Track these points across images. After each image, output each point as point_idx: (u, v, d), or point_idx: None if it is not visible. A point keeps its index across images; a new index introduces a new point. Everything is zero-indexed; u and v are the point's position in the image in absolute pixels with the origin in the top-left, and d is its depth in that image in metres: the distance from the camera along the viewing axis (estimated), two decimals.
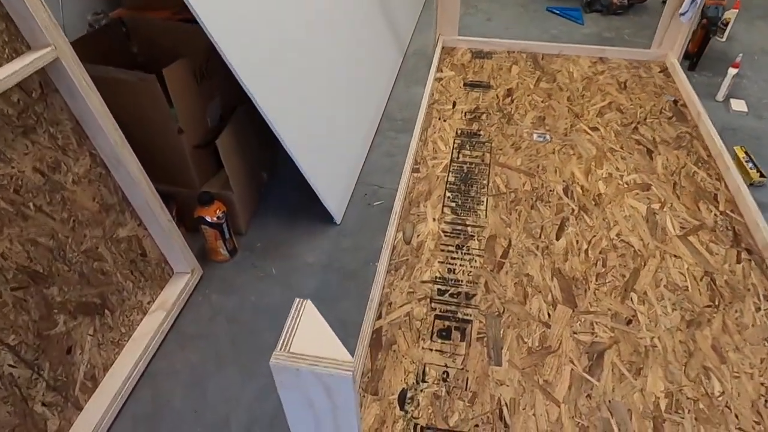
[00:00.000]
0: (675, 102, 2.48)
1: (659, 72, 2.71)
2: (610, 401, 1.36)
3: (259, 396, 1.48)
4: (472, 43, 2.96)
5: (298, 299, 0.91)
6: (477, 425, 1.32)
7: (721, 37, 3.19)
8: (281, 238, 1.95)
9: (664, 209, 1.91)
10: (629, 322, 1.54)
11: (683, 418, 1.32)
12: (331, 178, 2.02)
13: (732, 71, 2.62)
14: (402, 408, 1.36)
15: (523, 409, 1.35)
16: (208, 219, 1.74)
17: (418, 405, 1.37)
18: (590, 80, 2.64)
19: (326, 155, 2.03)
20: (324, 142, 2.04)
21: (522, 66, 2.78)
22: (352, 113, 2.33)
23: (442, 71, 2.76)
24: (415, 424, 1.33)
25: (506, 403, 1.36)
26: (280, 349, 0.83)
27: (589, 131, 2.29)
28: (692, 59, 2.96)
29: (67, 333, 1.35)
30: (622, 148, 2.20)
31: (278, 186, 2.17)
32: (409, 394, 1.39)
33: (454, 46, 2.97)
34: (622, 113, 2.40)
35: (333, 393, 0.83)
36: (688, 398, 1.36)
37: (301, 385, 0.85)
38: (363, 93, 2.48)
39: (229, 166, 1.78)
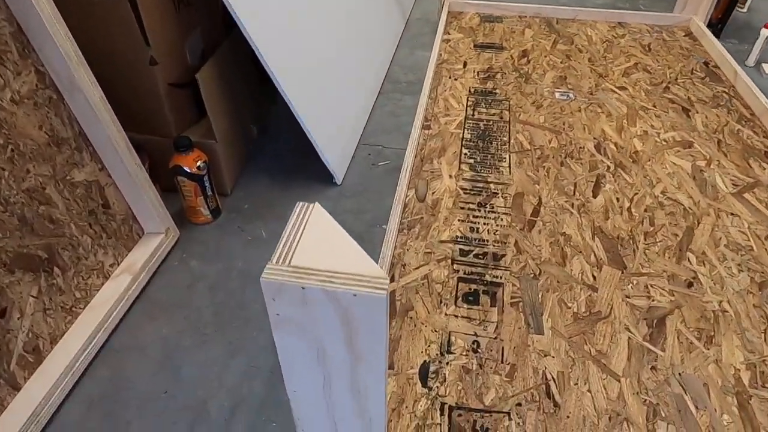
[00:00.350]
0: (706, 64, 2.27)
1: (684, 36, 2.50)
2: (680, 374, 1.11)
3: (246, 376, 1.20)
4: (480, 7, 2.73)
5: (302, 203, 0.65)
6: (519, 404, 1.05)
7: (742, 7, 3.01)
8: (272, 199, 1.68)
9: (711, 166, 1.67)
10: (690, 284, 1.30)
11: None
12: (331, 131, 1.76)
13: (765, 32, 2.42)
14: (424, 384, 1.09)
15: (575, 384, 1.09)
16: (186, 169, 1.47)
17: (444, 380, 1.10)
18: (611, 43, 2.42)
19: (326, 106, 1.77)
20: (324, 92, 1.78)
21: (536, 29, 2.55)
22: (353, 67, 2.08)
23: (449, 33, 2.53)
24: (442, 404, 1.06)
25: (553, 378, 1.10)
26: (277, 263, 0.57)
27: (616, 90, 2.06)
28: (716, 26, 2.76)
29: (1, 290, 1.06)
30: (654, 106, 1.97)
31: (270, 143, 1.90)
32: (432, 368, 1.12)
33: (461, 11, 2.74)
34: (650, 73, 2.18)
35: (356, 325, 0.56)
36: None
37: (307, 317, 0.58)
38: (364, 49, 2.23)
39: (211, 107, 1.51)
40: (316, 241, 0.59)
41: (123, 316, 1.32)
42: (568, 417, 1.03)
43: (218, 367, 1.22)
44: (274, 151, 1.88)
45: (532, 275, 1.32)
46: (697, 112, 1.93)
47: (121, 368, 1.22)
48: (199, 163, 1.48)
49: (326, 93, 1.81)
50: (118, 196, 1.37)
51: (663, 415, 1.04)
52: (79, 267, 1.26)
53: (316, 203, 0.63)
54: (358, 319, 0.55)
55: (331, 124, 1.77)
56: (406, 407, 1.05)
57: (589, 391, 1.08)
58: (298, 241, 0.58)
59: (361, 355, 0.60)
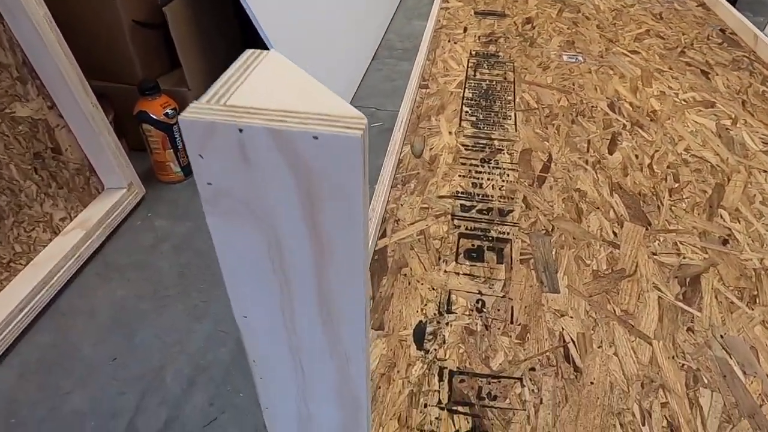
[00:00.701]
0: (722, 30, 2.12)
1: (697, 6, 2.36)
2: (722, 336, 0.94)
3: (211, 341, 1.03)
4: None
5: (251, 50, 0.48)
6: (533, 369, 0.88)
7: None
8: None
9: (738, 125, 1.52)
10: (725, 242, 1.13)
11: None
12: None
13: None
14: (420, 347, 0.92)
15: (599, 347, 0.92)
16: (153, 115, 1.30)
17: (444, 342, 0.93)
18: (620, 12, 2.28)
19: (313, 62, 1.61)
20: (310, 46, 1.62)
21: None
22: (344, 28, 1.92)
23: (448, 2, 2.38)
24: (441, 368, 0.88)
25: (573, 340, 0.93)
26: (207, 102, 0.40)
27: (628, 54, 1.91)
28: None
29: None
30: (671, 68, 1.82)
31: None
32: (429, 329, 0.95)
33: None
34: (663, 39, 2.03)
35: (320, 190, 0.39)
36: None
37: (251, 184, 0.41)
38: (355, 12, 2.08)
39: (183, 49, 1.35)
40: (267, 82, 0.42)
41: (73, 275, 1.15)
42: (592, 383, 0.86)
43: (179, 332, 1.05)
44: None
45: (543, 231, 1.16)
46: (717, 75, 1.78)
47: (66, 333, 1.04)
48: (167, 110, 1.32)
49: (314, 51, 1.65)
50: (72, 142, 1.20)
51: (705, 381, 0.86)
52: (21, 217, 1.09)
53: (273, 50, 0.47)
54: (321, 177, 0.38)
55: (323, 82, 1.61)
56: (398, 372, 0.88)
57: (615, 354, 0.90)
58: (243, 82, 0.41)
59: (328, 246, 0.43)
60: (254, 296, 0.49)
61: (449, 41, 2.02)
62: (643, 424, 0.81)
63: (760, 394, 0.85)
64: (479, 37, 2.05)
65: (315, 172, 0.38)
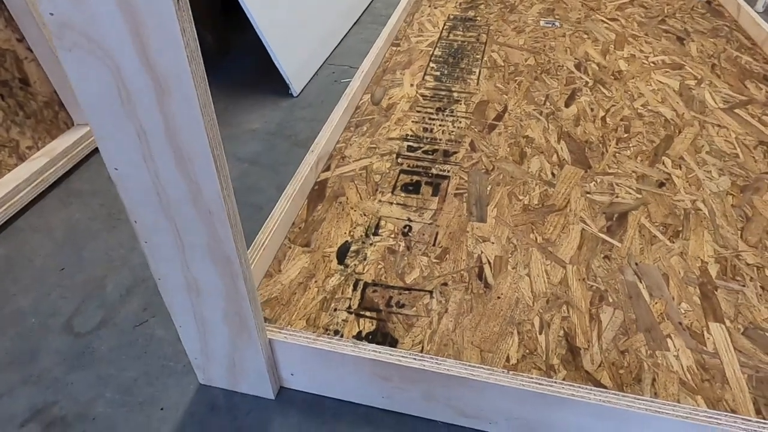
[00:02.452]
0: (708, 2, 2.10)
1: None
2: (637, 264, 0.96)
3: None
4: None
5: None
6: (445, 284, 0.92)
7: None
8: (223, 107, 1.57)
9: (702, 86, 1.52)
10: (662, 185, 1.14)
11: (744, 286, 0.91)
12: (290, 40, 1.64)
13: None
14: (341, 262, 0.96)
15: (513, 268, 0.95)
16: None
17: (365, 259, 0.97)
18: None
19: (287, 17, 1.65)
20: (287, 4, 1.67)
21: None
22: None
23: None
24: (357, 280, 0.92)
25: (489, 261, 0.96)
26: None
27: (607, 21, 1.92)
28: None
29: None
30: (647, 35, 1.81)
31: (231, 63, 1.80)
32: (353, 248, 0.99)
33: None
34: (646, 9, 2.02)
35: (141, 19, 0.43)
36: (749, 264, 0.95)
37: (87, 17, 0.45)
38: None
39: None
40: None
41: (35, 198, 1.22)
42: (498, 298, 0.89)
43: (125, 249, 1.11)
44: (233, 69, 1.77)
45: (483, 170, 1.18)
46: (693, 41, 1.77)
47: (21, 247, 1.11)
48: None
49: (291, 8, 1.69)
50: (41, 75, 1.27)
51: (610, 300, 0.89)
52: None
53: None
54: (138, 2, 0.42)
55: (291, 34, 1.66)
56: (315, 282, 0.92)
57: (528, 275, 0.93)
58: None
59: (165, 82, 0.47)
60: (118, 144, 0.53)
61: (429, 6, 2.05)
62: (540, 333, 0.83)
63: (661, 314, 0.87)
64: (460, 3, 2.08)
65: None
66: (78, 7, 0.44)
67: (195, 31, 0.46)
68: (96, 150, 1.37)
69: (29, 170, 1.21)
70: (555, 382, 0.71)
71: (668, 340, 0.82)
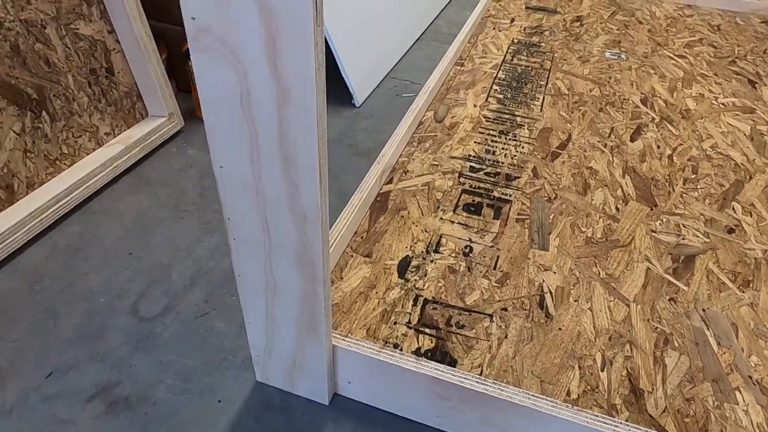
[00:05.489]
0: None
1: (761, 23, 2.28)
2: (704, 310, 0.93)
3: (216, 251, 1.11)
4: None
5: None
6: (506, 309, 0.91)
7: None
8: None
9: None
10: (731, 231, 1.11)
11: None
12: (357, 51, 1.67)
13: None
14: (402, 276, 0.97)
15: (575, 300, 0.94)
16: None
17: (426, 275, 0.97)
18: (676, 20, 2.24)
19: (356, 28, 1.69)
20: (357, 16, 1.70)
21: (595, 1, 2.40)
22: (394, 5, 2.00)
23: None
24: (417, 296, 0.93)
25: (550, 291, 0.95)
26: None
27: (674, 57, 1.89)
28: None
29: None
30: (716, 75, 1.78)
31: None
32: (414, 263, 1.00)
33: None
34: (716, 48, 1.98)
35: (277, 27, 0.45)
36: None
37: (225, 20, 0.47)
38: None
39: None
40: None
41: (109, 183, 1.27)
42: (560, 329, 0.88)
43: (190, 240, 1.14)
44: None
45: (546, 198, 1.18)
46: (765, 85, 1.73)
47: (94, 228, 1.16)
48: None
49: (360, 20, 1.73)
50: (125, 66, 1.33)
51: (676, 344, 0.87)
52: (71, 122, 1.22)
53: None
54: (281, 17, 0.44)
55: (359, 44, 1.69)
56: (376, 293, 0.93)
57: (590, 309, 0.92)
58: None
59: (287, 90, 0.49)
60: (228, 143, 0.56)
61: (494, 29, 2.06)
62: (602, 370, 0.82)
63: (730, 365, 0.84)
64: (525, 28, 2.08)
65: (275, 7, 0.45)
66: (220, 13, 0.47)
67: (324, 45, 0.48)
68: (166, 141, 1.43)
69: (106, 155, 1.27)
70: (621, 423, 0.69)
71: (737, 392, 0.80)
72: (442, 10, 2.47)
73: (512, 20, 2.14)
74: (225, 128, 0.55)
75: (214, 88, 0.52)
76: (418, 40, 2.15)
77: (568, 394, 0.78)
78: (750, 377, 0.82)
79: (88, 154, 1.27)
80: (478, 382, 0.74)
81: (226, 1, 0.45)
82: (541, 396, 0.73)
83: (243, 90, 0.51)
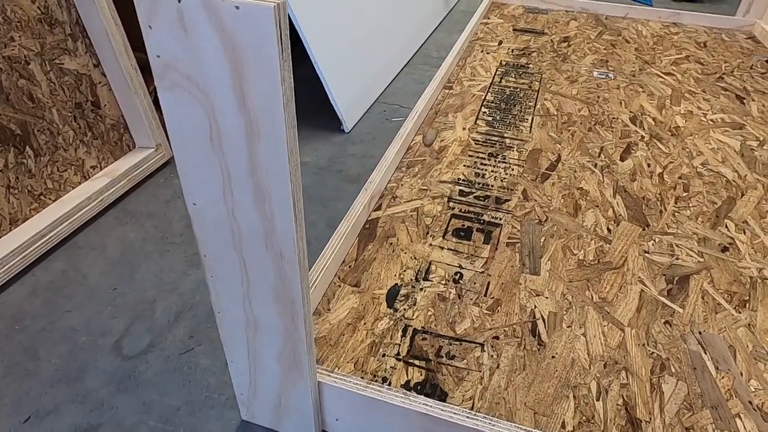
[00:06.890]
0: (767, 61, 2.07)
1: (746, 38, 2.31)
2: (701, 333, 0.91)
3: (202, 286, 1.09)
4: (526, 0, 2.64)
5: None
6: (497, 337, 0.89)
7: None
8: None
9: (765, 147, 1.47)
10: (725, 249, 1.10)
11: None
12: (345, 77, 1.68)
13: None
14: (390, 305, 0.95)
15: (568, 326, 0.91)
16: None
17: (415, 304, 0.95)
18: (662, 38, 2.27)
19: (344, 54, 1.70)
20: (345, 42, 1.72)
21: (582, 21, 2.43)
22: (380, 29, 2.02)
23: (489, 18, 2.44)
24: (406, 326, 0.91)
25: (543, 317, 0.93)
26: None
27: (662, 75, 1.90)
28: None
29: None
30: (704, 91, 1.79)
31: None
32: (402, 291, 0.98)
33: (505, 1, 2.66)
34: (703, 65, 2.00)
35: (244, 61, 0.45)
36: None
37: (190, 55, 0.47)
38: (394, 18, 2.17)
39: None
40: None
41: (94, 216, 1.26)
42: (553, 357, 0.86)
43: (176, 273, 1.12)
44: None
45: (536, 221, 1.16)
46: (753, 100, 1.74)
47: (78, 263, 1.14)
48: None
49: (348, 47, 1.74)
50: (111, 99, 1.33)
51: (673, 370, 0.84)
52: (56, 157, 1.21)
53: None
54: (245, 48, 0.44)
55: (347, 70, 1.70)
56: (364, 324, 0.91)
57: (584, 335, 0.90)
58: None
59: (256, 121, 0.48)
60: (200, 179, 0.54)
61: (482, 51, 2.08)
62: (598, 400, 0.79)
63: (729, 390, 0.82)
64: (513, 50, 2.10)
65: (239, 42, 0.44)
66: (185, 50, 0.46)
67: (292, 80, 0.47)
68: (154, 173, 1.42)
69: (92, 189, 1.25)
70: None
71: (737, 419, 0.77)
72: (431, 33, 2.50)
73: (500, 42, 2.16)
74: (196, 164, 0.54)
75: (183, 125, 0.51)
76: (407, 64, 2.16)
77: (563, 426, 0.75)
78: (750, 402, 0.79)
79: (73, 188, 1.26)
80: (468, 417, 0.71)
81: (189, 37, 0.45)
82: (534, 430, 0.70)
83: (212, 126, 0.50)
